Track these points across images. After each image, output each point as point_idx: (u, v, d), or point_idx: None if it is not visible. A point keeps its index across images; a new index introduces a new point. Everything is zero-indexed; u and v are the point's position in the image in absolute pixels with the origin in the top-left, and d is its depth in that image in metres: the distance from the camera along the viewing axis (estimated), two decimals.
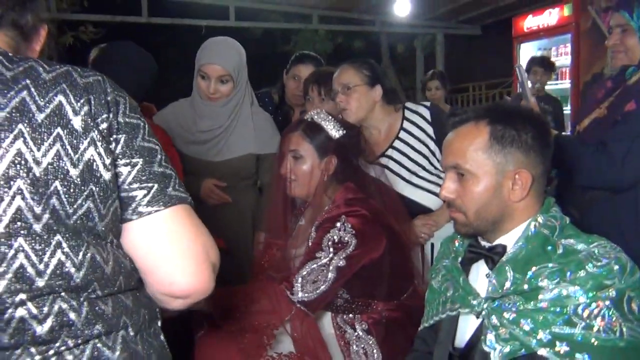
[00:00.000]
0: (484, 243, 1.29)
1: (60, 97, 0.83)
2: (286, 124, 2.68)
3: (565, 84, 5.75)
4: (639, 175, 1.70)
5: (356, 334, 1.64)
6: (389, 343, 1.63)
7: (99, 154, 0.85)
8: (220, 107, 2.29)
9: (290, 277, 1.59)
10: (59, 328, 0.83)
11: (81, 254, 0.84)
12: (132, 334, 0.91)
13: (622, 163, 1.68)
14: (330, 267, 1.57)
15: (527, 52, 6.28)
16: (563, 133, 3.66)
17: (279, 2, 7.88)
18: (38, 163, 0.80)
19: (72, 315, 0.84)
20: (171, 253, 0.89)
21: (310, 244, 1.65)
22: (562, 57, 5.86)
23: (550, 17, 5.95)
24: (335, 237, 1.58)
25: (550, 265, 1.15)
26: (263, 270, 1.78)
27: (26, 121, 0.80)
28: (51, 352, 0.83)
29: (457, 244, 1.40)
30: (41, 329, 0.81)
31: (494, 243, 1.26)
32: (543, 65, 4.71)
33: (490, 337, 1.17)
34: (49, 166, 0.81)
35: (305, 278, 1.56)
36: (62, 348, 0.83)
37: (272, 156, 2.41)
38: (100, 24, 8.13)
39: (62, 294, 0.83)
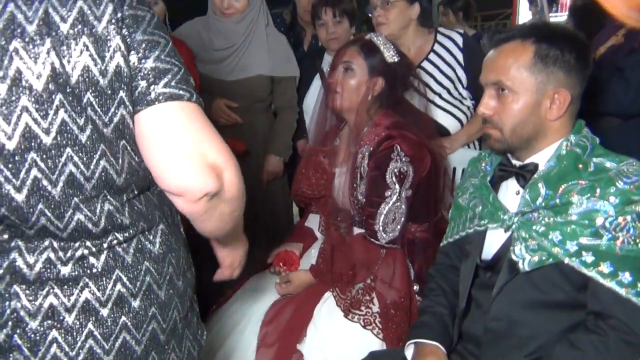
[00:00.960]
0: (514, 162, 1.34)
1: (80, 3, 0.81)
2: (299, 45, 2.65)
3: (565, 16, 5.71)
4: None
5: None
6: (420, 261, 1.72)
7: (124, 58, 0.85)
8: (235, 24, 2.27)
9: (370, 225, 1.68)
10: (110, 227, 0.90)
11: (120, 159, 0.88)
12: (165, 228, 0.98)
13: (637, 89, 1.73)
14: (402, 200, 1.67)
15: None
16: None
17: None
18: (69, 76, 0.81)
19: (118, 215, 0.91)
20: (170, 148, 0.88)
21: (363, 172, 1.71)
22: None
23: None
24: (395, 170, 1.65)
25: (581, 182, 1.21)
26: (301, 191, 1.85)
27: (53, 33, 0.80)
28: (105, 245, 0.91)
29: (484, 164, 1.46)
30: (96, 229, 0.89)
31: (526, 161, 1.31)
32: None
33: (520, 247, 1.25)
34: (80, 78, 0.82)
35: (385, 221, 1.67)
36: (114, 242, 0.92)
37: (286, 79, 2.42)
38: None
39: (108, 196, 0.89)
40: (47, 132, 0.81)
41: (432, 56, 2.20)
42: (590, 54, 1.29)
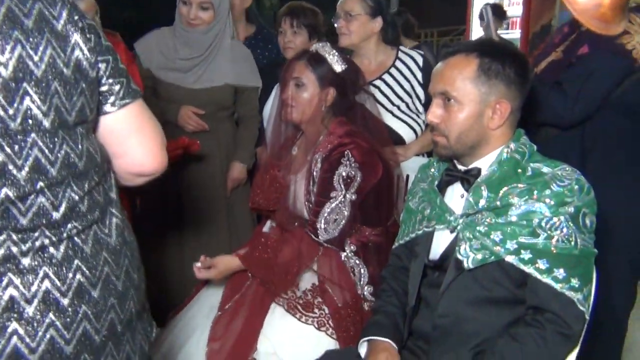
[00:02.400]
0: (460, 167, 1.43)
1: (7, 3, 0.88)
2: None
3: (516, 33, 5.97)
4: (588, 111, 1.88)
5: (345, 254, 1.79)
6: (374, 264, 1.79)
7: (82, 52, 0.95)
8: (201, 35, 2.32)
9: (313, 222, 1.74)
10: (69, 214, 0.94)
11: (79, 145, 0.95)
12: (119, 222, 1.04)
13: (575, 100, 1.86)
14: (345, 203, 1.72)
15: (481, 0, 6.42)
16: None
17: None
18: (37, 66, 0.88)
19: (79, 203, 0.96)
20: (142, 139, 1.05)
21: (315, 176, 1.77)
22: (514, 7, 6.05)
23: None
24: (343, 173, 1.71)
25: (520, 185, 1.31)
26: (258, 200, 1.90)
27: (18, 27, 0.87)
28: (64, 234, 0.94)
29: (433, 170, 1.55)
30: (56, 215, 0.92)
31: (470, 167, 1.40)
32: (495, 13, 4.89)
33: (464, 247, 1.33)
34: (47, 68, 0.89)
35: (326, 220, 1.72)
36: (73, 231, 0.95)
37: (249, 90, 2.48)
38: None
39: (72, 183, 0.94)
40: (13, 118, 0.86)
41: (392, 70, 2.29)
42: (529, 68, 1.40)
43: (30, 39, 0.87)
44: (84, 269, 0.96)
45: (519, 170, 1.33)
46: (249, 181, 2.54)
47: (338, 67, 1.82)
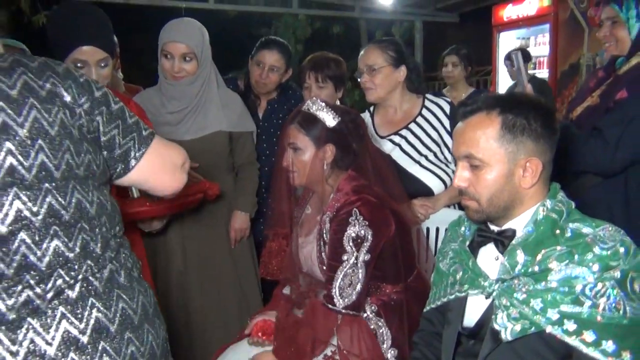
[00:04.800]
0: (493, 227, 1.34)
1: (25, 77, 1.03)
2: (253, 113, 2.66)
3: (543, 73, 5.89)
4: (631, 159, 1.78)
5: (366, 315, 1.69)
6: (397, 324, 1.68)
7: (93, 123, 1.11)
8: (187, 86, 2.28)
9: (327, 289, 1.64)
10: (55, 263, 1.02)
11: (90, 194, 1.08)
12: (121, 276, 1.13)
13: (616, 147, 1.76)
14: (359, 265, 1.62)
15: (506, 40, 6.39)
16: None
17: None
18: (52, 127, 1.02)
19: (92, 245, 1.07)
20: (161, 176, 1.24)
21: (326, 238, 1.70)
22: (540, 47, 5.99)
23: (529, 6, 6.06)
24: (352, 234, 1.62)
25: (559, 247, 1.21)
26: (272, 269, 1.83)
27: (34, 96, 1.02)
28: (80, 276, 1.04)
29: (463, 228, 1.46)
30: (40, 264, 1.00)
31: (504, 227, 1.31)
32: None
33: (501, 316, 1.23)
34: (60, 130, 1.03)
35: (341, 285, 1.62)
36: (88, 272, 1.06)
37: (244, 135, 2.43)
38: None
39: (84, 226, 1.06)
40: (29, 170, 0.99)
41: (419, 119, 2.23)
42: (555, 118, 1.31)
43: (44, 105, 1.02)
44: (99, 305, 1.06)
45: (557, 231, 1.24)
46: (252, 235, 2.49)
47: (331, 121, 1.76)
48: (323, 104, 1.78)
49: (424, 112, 2.24)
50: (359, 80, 2.26)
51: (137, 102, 2.37)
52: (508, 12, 6.36)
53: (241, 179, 2.46)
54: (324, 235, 1.71)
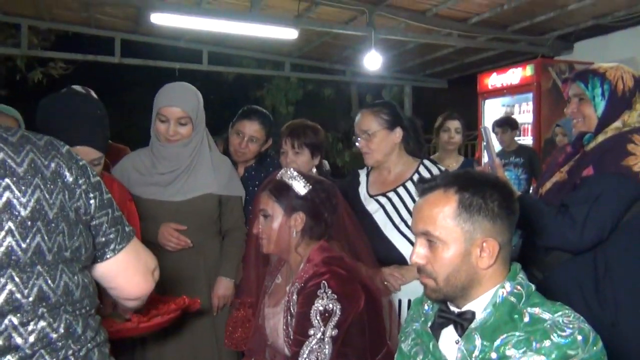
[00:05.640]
0: (453, 308, 1.31)
1: (32, 155, 1.04)
2: None
3: (528, 140, 5.97)
4: (598, 238, 1.77)
5: None
6: None
7: (87, 205, 1.11)
8: (180, 148, 2.29)
9: None
10: (39, 345, 1.01)
11: (75, 276, 1.07)
12: (95, 354, 1.12)
13: (583, 226, 1.75)
14: (325, 340, 1.58)
15: (492, 107, 6.53)
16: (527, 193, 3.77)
17: (253, 48, 8.03)
18: (51, 209, 1.02)
19: (51, 332, 1.04)
20: (132, 276, 1.22)
21: (293, 310, 1.66)
22: (525, 114, 6.10)
23: (513, 76, 6.22)
24: (320, 308, 1.58)
25: (517, 333, 1.18)
26: (236, 339, 1.77)
27: (39, 176, 1.02)
28: (61, 357, 1.04)
29: (426, 307, 1.42)
30: (25, 345, 1.00)
31: (463, 309, 1.28)
32: (508, 125, 4.97)
33: None
34: (58, 213, 1.04)
35: None
36: (69, 352, 1.05)
37: (233, 199, 2.42)
38: (70, 61, 8.10)
39: (68, 309, 1.05)
40: (25, 252, 0.99)
41: (409, 184, 2.22)
42: (514, 199, 1.30)
43: (47, 186, 1.03)
44: None
45: (515, 316, 1.20)
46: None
47: (302, 190, 1.75)
48: (295, 173, 1.79)
49: (415, 177, 2.22)
50: (356, 145, 2.27)
51: (126, 161, 2.39)
52: (492, 81, 6.52)
53: (227, 244, 2.42)
54: (292, 307, 1.67)
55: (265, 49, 8.04)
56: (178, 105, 2.25)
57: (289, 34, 6.05)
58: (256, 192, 1.87)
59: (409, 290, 2.10)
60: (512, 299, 1.23)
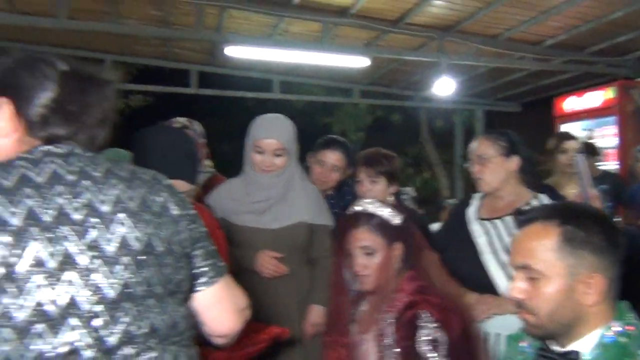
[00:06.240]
0: (555, 347, 1.25)
1: (141, 191, 1.07)
2: None
3: (611, 165, 5.69)
4: None
5: None
6: None
7: (184, 239, 1.12)
8: (275, 178, 2.36)
9: None
10: None
11: (165, 312, 1.06)
12: None
13: None
14: None
15: (570, 130, 6.27)
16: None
17: (322, 77, 8.15)
18: (138, 241, 1.02)
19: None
20: (222, 311, 1.21)
21: (391, 340, 1.64)
22: (606, 139, 5.83)
23: (592, 99, 5.98)
24: (427, 338, 1.56)
25: None
26: None
27: (124, 210, 1.02)
28: None
29: (524, 344, 1.36)
30: None
31: (567, 348, 1.22)
32: (588, 151, 4.73)
33: None
34: (166, 247, 1.06)
35: None
36: None
37: (323, 228, 2.45)
38: (149, 93, 8.52)
39: (154, 344, 1.04)
40: (139, 285, 1.01)
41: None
42: (619, 233, 1.23)
43: (156, 220, 1.06)
44: None
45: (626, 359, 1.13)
46: None
47: (395, 220, 1.74)
48: (382, 204, 1.79)
49: (526, 209, 2.17)
50: (469, 169, 2.25)
51: (221, 190, 2.47)
52: (570, 104, 6.29)
53: (319, 272, 2.44)
54: (391, 337, 1.65)
55: (335, 77, 8.15)
56: (274, 137, 2.32)
57: (360, 62, 6.11)
58: (342, 229, 1.85)
59: (498, 325, 2.03)
60: (623, 340, 1.16)
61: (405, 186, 2.78)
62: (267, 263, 2.32)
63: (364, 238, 1.73)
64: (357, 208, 1.80)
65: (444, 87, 6.36)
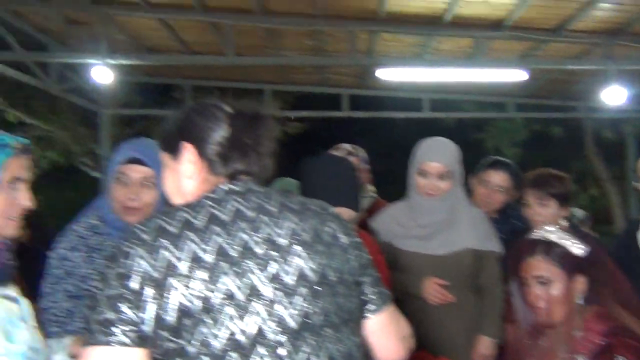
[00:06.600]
0: None
1: (312, 222, 1.09)
2: None
3: None
4: None
5: None
6: None
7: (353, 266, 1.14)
8: (440, 202, 2.33)
9: None
10: None
11: (341, 342, 1.07)
12: None
13: None
14: None
15: None
16: None
17: (473, 92, 7.95)
18: (313, 272, 1.04)
19: None
20: (387, 339, 1.21)
21: None
22: None
23: None
24: None
25: None
26: None
27: (299, 242, 1.05)
28: None
29: None
30: None
31: None
32: None
33: None
34: (320, 274, 1.05)
35: None
36: None
37: (490, 255, 2.36)
38: (304, 119, 8.95)
39: None
40: (316, 316, 1.03)
41: None
42: None
43: (328, 250, 1.08)
44: None
45: None
46: None
47: (578, 250, 1.62)
48: (564, 233, 1.68)
49: None
50: (638, 187, 2.09)
51: (386, 214, 2.50)
52: None
53: (487, 302, 2.36)
54: None
55: (487, 91, 7.88)
56: (439, 161, 2.30)
57: (516, 75, 5.86)
58: (513, 256, 1.78)
59: None
60: None
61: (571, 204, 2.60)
62: (434, 290, 2.27)
63: (540, 267, 1.63)
64: (536, 236, 1.71)
65: (614, 95, 5.84)
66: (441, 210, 2.33)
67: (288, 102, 8.71)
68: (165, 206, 1.28)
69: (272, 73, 7.49)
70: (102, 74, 5.43)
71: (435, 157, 2.32)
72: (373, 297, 1.17)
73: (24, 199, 1.26)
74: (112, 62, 5.46)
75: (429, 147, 2.38)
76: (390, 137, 11.13)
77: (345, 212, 1.83)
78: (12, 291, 1.27)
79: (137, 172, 1.74)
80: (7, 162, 1.21)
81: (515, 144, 9.58)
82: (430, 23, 5.48)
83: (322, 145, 2.66)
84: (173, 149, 1.14)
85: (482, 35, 5.60)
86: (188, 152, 1.12)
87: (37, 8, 5.50)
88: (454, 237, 2.32)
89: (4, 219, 1.22)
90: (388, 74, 6.01)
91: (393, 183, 2.50)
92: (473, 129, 10.31)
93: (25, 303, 1.27)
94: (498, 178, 2.62)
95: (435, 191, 2.31)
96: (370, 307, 1.17)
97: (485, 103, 8.67)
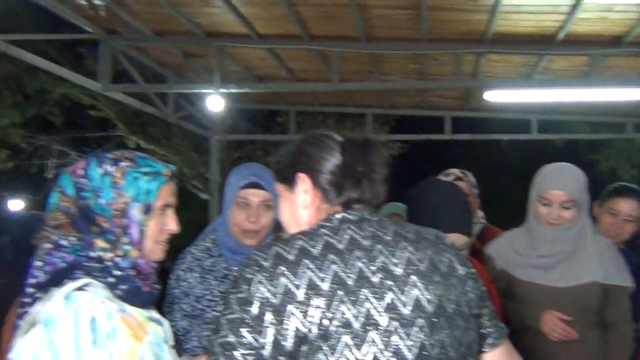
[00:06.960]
0: None
1: (428, 251, 1.09)
2: None
3: None
4: None
5: None
6: None
7: (473, 297, 1.12)
8: (563, 232, 2.21)
9: None
10: None
11: None
12: None
13: None
14: None
15: None
16: None
17: (586, 112, 7.52)
18: (430, 303, 1.02)
19: None
20: None
21: None
22: None
23: None
24: None
25: None
26: None
27: (416, 272, 1.04)
28: None
29: None
30: None
31: None
32: None
33: None
34: (437, 306, 1.04)
35: None
36: None
37: (619, 290, 2.20)
38: (404, 141, 8.91)
39: None
40: (432, 348, 1.01)
41: None
42: None
43: (445, 281, 1.07)
44: None
45: None
46: None
47: None
48: None
49: None
50: None
51: (503, 240, 2.42)
52: None
53: (612, 340, 2.22)
54: None
55: (601, 111, 7.43)
56: (563, 189, 2.19)
57: (636, 94, 5.48)
58: None
59: None
60: None
61: None
62: (555, 325, 2.15)
63: None
64: None
65: None
66: (564, 240, 2.21)
67: (388, 125, 8.71)
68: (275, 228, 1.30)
69: (374, 97, 7.54)
70: (214, 102, 5.73)
71: (559, 186, 2.20)
72: (491, 330, 1.15)
73: (172, 224, 1.29)
74: (225, 91, 5.76)
75: (552, 174, 2.26)
76: (491, 160, 10.77)
77: (458, 238, 1.79)
78: (156, 313, 1.32)
79: (257, 196, 1.82)
80: (160, 189, 1.24)
81: (634, 165, 8.91)
82: (541, 42, 5.28)
83: (424, 167, 2.63)
84: (288, 180, 1.17)
85: (599, 52, 5.31)
86: (303, 182, 1.14)
87: (157, 44, 5.93)
88: (577, 269, 2.19)
89: (153, 244, 1.26)
90: (496, 97, 5.85)
91: (498, 207, 2.41)
92: (585, 150, 9.75)
93: (167, 324, 1.32)
94: (628, 207, 2.45)
95: (558, 221, 2.20)
96: (489, 340, 1.15)
97: (598, 124, 8.17)
